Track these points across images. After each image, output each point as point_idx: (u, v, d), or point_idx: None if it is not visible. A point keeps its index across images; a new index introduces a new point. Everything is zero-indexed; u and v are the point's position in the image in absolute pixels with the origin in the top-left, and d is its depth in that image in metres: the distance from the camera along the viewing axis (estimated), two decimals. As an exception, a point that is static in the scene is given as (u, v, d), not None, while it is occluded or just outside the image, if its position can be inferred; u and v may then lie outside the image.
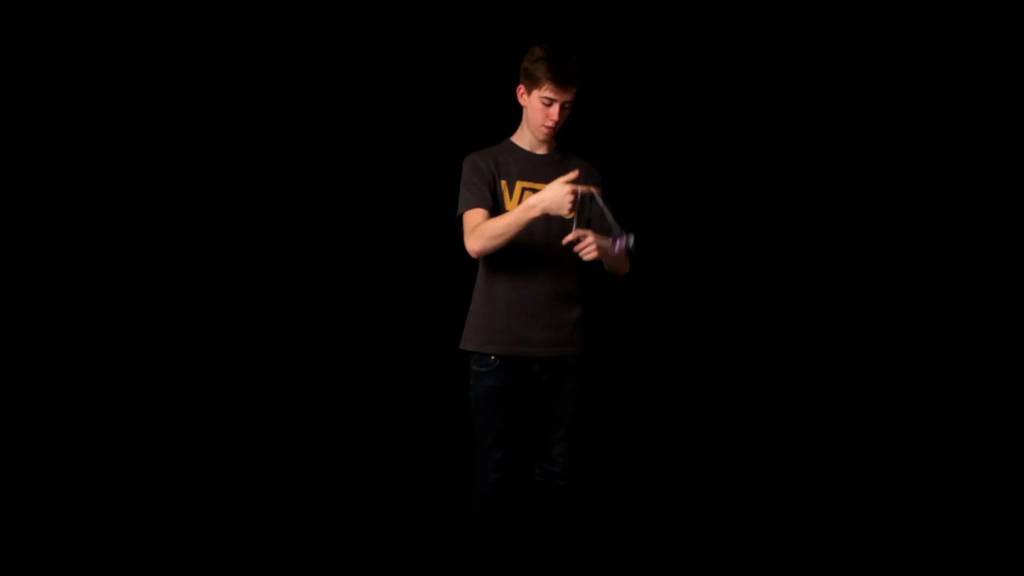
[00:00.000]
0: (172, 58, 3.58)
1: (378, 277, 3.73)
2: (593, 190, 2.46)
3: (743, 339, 3.81)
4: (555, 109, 2.51)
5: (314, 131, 3.70)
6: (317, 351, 3.73)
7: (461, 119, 3.55)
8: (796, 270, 3.77)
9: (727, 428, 3.81)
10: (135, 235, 3.60)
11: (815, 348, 3.77)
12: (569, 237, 2.43)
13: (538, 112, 2.54)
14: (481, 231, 2.49)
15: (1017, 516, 3.40)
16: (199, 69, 3.60)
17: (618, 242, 2.40)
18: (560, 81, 2.47)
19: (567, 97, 2.51)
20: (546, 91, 2.49)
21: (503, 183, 2.59)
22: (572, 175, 2.43)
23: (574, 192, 2.39)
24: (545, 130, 2.56)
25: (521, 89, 2.58)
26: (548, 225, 2.55)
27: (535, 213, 2.43)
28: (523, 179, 2.60)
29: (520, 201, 2.56)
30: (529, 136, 2.63)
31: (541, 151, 2.65)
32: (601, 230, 2.58)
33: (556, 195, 2.40)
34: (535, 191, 2.56)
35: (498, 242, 2.48)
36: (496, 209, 2.56)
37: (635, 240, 2.39)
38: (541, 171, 2.62)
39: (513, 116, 2.66)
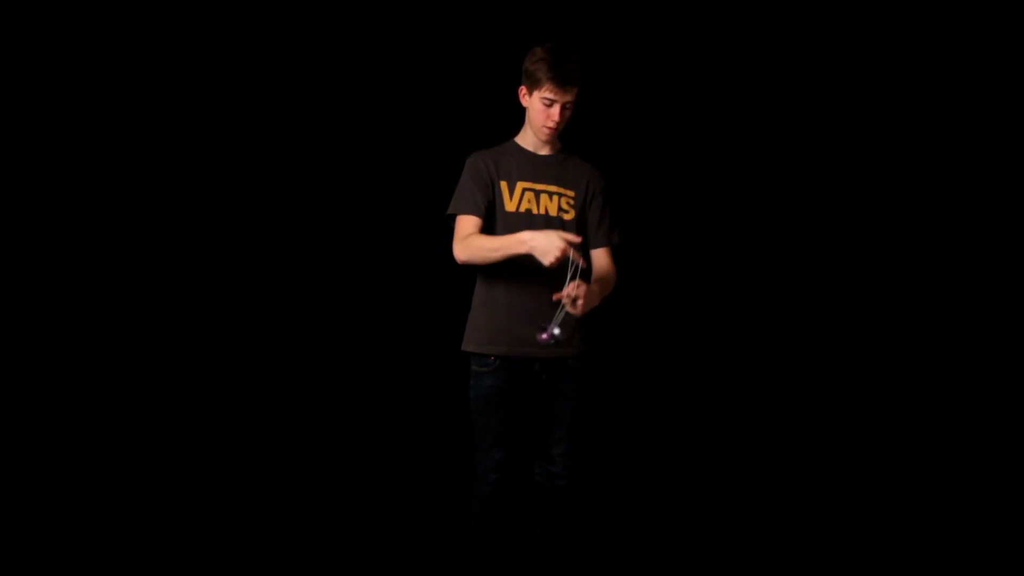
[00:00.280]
0: (172, 58, 3.58)
1: (379, 278, 3.73)
2: (580, 262, 2.42)
3: (743, 339, 3.81)
4: (556, 109, 2.51)
5: (316, 132, 3.71)
6: (318, 352, 3.73)
7: (462, 120, 3.56)
8: (796, 270, 3.78)
9: (727, 428, 3.81)
10: (136, 236, 3.60)
11: (815, 348, 3.77)
12: (567, 292, 2.39)
13: (539, 113, 2.54)
14: (469, 244, 2.52)
15: (1017, 516, 3.40)
16: (199, 69, 3.60)
17: (546, 331, 2.40)
18: (560, 81, 2.47)
19: (568, 97, 2.51)
20: (546, 91, 2.50)
21: (503, 183, 2.59)
22: (574, 238, 2.40)
23: (564, 251, 2.36)
24: (547, 131, 2.57)
25: (523, 90, 2.58)
26: (548, 225, 2.56)
27: (523, 249, 2.43)
28: (524, 179, 2.60)
29: (520, 201, 2.57)
30: (532, 137, 2.63)
31: (544, 152, 2.65)
32: (598, 232, 2.62)
33: (547, 243, 2.37)
34: (535, 191, 2.57)
35: (483, 260, 2.52)
36: (492, 213, 2.57)
37: (559, 329, 2.40)
38: (543, 172, 2.62)
39: (517, 117, 2.66)
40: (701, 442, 3.81)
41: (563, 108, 2.52)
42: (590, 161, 2.71)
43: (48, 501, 3.35)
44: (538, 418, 2.65)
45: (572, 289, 2.38)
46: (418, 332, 3.69)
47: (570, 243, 2.37)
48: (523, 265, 2.54)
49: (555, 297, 2.40)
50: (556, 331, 2.39)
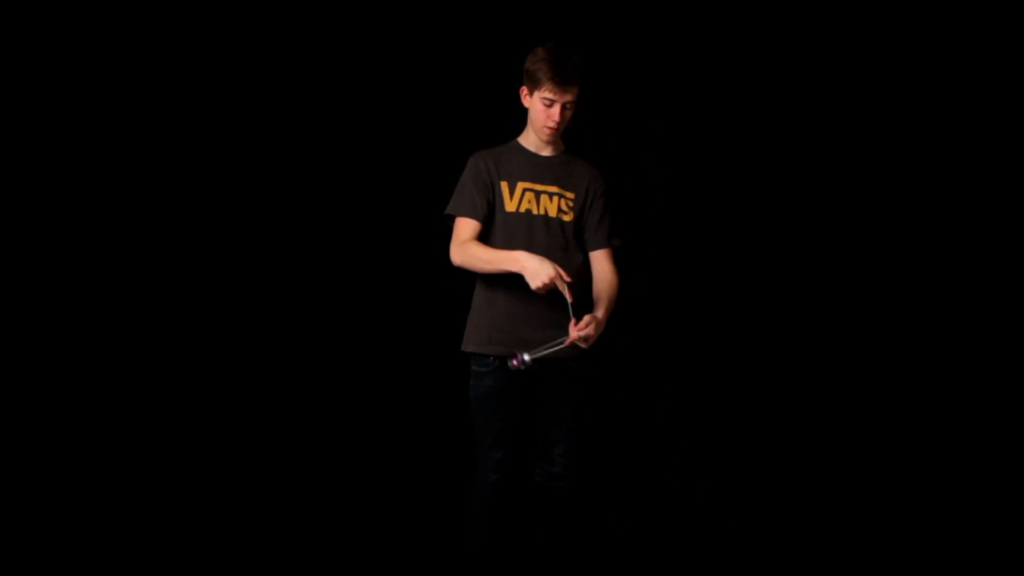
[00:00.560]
0: (172, 58, 3.58)
1: (379, 278, 3.73)
2: (569, 299, 2.44)
3: (743, 339, 3.81)
4: (556, 110, 2.52)
5: (318, 132, 3.71)
6: (318, 352, 3.73)
7: (464, 120, 3.56)
8: (796, 270, 3.78)
9: (727, 428, 3.81)
10: (135, 236, 3.60)
11: (815, 348, 3.77)
12: (580, 332, 2.43)
13: (540, 113, 2.54)
14: (464, 250, 2.54)
15: (1017, 516, 3.40)
16: (199, 69, 3.60)
17: (516, 358, 2.43)
18: (560, 81, 2.48)
19: (568, 97, 2.51)
20: (546, 92, 2.50)
21: (504, 183, 2.59)
22: (566, 276, 2.43)
23: (552, 279, 2.39)
24: (547, 131, 2.57)
25: (523, 90, 2.59)
26: (548, 226, 2.56)
27: (515, 268, 2.45)
28: (525, 180, 2.60)
29: (520, 201, 2.57)
30: (534, 138, 2.63)
31: (546, 153, 2.65)
32: (597, 233, 2.63)
33: (538, 268, 2.41)
34: (536, 192, 2.57)
35: (474, 269, 2.55)
36: (491, 214, 2.58)
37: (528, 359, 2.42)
38: (545, 173, 2.62)
39: (521, 118, 2.66)
40: (701, 442, 3.81)
41: (563, 108, 2.52)
42: (592, 162, 2.71)
43: (48, 501, 3.35)
44: (538, 418, 2.65)
45: (584, 328, 2.43)
46: (418, 332, 3.69)
47: (561, 278, 2.41)
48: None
49: (568, 342, 2.44)
50: (527, 359, 2.42)
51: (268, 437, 3.69)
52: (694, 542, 3.35)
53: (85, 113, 3.52)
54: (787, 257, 3.78)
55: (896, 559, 3.20)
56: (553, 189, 2.60)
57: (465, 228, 2.57)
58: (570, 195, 2.62)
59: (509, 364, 2.44)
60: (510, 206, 2.57)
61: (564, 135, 2.66)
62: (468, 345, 2.63)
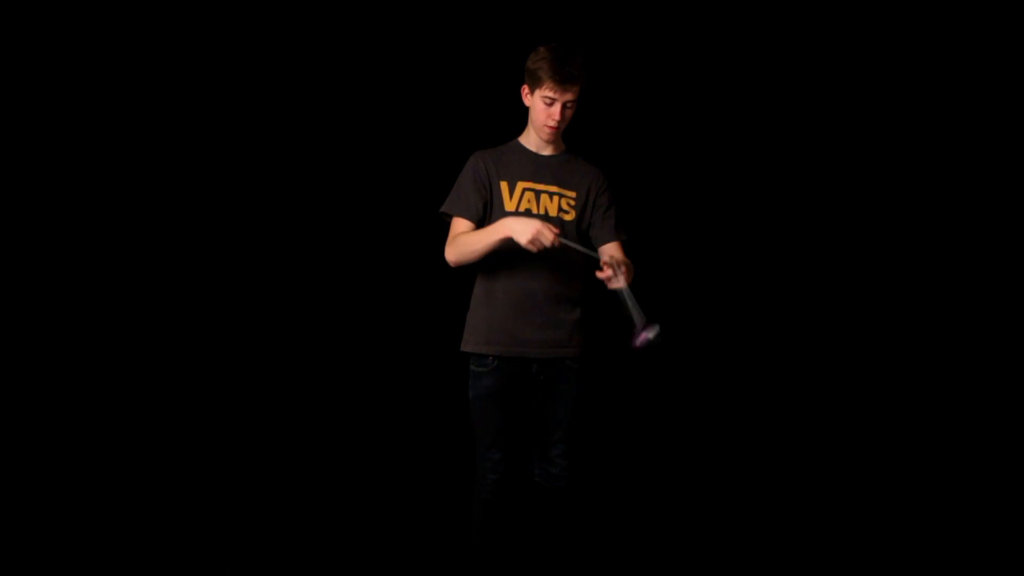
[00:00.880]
0: (172, 58, 3.58)
1: (379, 278, 3.73)
2: (557, 243, 2.42)
3: (743, 339, 3.80)
4: (556, 108, 2.51)
5: (318, 132, 3.71)
6: (318, 352, 3.73)
7: (465, 120, 3.55)
8: (797, 271, 3.77)
9: (727, 428, 3.80)
10: (135, 236, 3.60)
11: (815, 349, 3.77)
12: (605, 274, 2.38)
13: (540, 112, 2.54)
14: (456, 243, 2.55)
15: (1017, 516, 3.40)
16: (199, 69, 3.60)
17: (641, 335, 2.38)
18: (560, 80, 2.47)
19: (568, 96, 2.51)
20: (547, 90, 2.49)
21: (503, 183, 2.59)
22: (555, 231, 2.41)
23: (538, 231, 2.37)
24: (548, 130, 2.57)
25: (525, 89, 2.59)
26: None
27: (502, 234, 2.45)
28: (524, 179, 2.60)
29: (520, 201, 2.57)
30: (534, 137, 2.63)
31: (546, 152, 2.65)
32: (604, 228, 2.61)
33: (524, 225, 2.41)
34: (536, 192, 2.57)
35: (471, 257, 2.53)
36: (490, 213, 2.58)
37: (659, 332, 2.38)
38: (544, 172, 2.62)
39: (522, 117, 2.66)
40: (701, 442, 3.80)
41: (564, 107, 2.52)
42: (593, 162, 2.71)
43: (48, 501, 3.35)
44: (537, 419, 2.65)
45: (609, 271, 2.36)
46: (418, 332, 3.69)
47: (550, 230, 2.38)
48: (521, 263, 2.54)
49: (605, 277, 2.37)
50: (650, 334, 2.37)
51: (268, 437, 3.69)
52: (694, 542, 3.35)
53: (85, 113, 3.53)
54: (787, 257, 3.78)
55: (896, 559, 3.19)
56: (553, 188, 2.60)
57: (459, 227, 2.58)
58: (571, 194, 2.62)
59: (638, 341, 2.37)
60: (510, 206, 2.57)
61: (565, 134, 2.65)
62: (467, 345, 2.62)
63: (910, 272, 3.73)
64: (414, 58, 3.69)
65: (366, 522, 3.41)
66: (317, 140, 3.71)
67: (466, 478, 2.73)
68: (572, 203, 2.62)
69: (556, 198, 2.60)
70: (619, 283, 2.38)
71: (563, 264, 2.57)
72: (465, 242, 2.53)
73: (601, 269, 2.39)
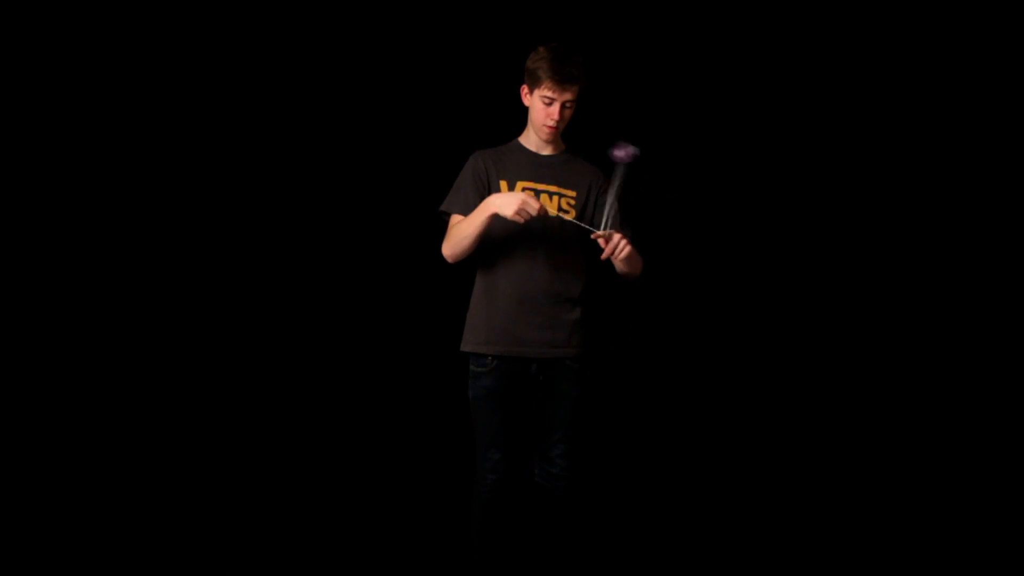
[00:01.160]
0: (172, 58, 3.58)
1: (379, 278, 3.73)
2: (560, 216, 2.48)
3: (743, 340, 3.80)
4: (555, 108, 2.51)
5: (317, 132, 3.71)
6: (318, 352, 3.73)
7: (465, 119, 3.55)
8: (797, 271, 3.77)
9: (727, 428, 3.80)
10: (134, 236, 3.61)
11: (815, 349, 3.77)
12: (598, 234, 2.41)
13: (539, 111, 2.55)
14: (448, 236, 2.56)
15: (1017, 516, 3.40)
16: (199, 69, 3.60)
17: (624, 149, 2.43)
18: (559, 80, 2.48)
19: (567, 96, 2.51)
20: (545, 90, 2.50)
21: (503, 183, 2.59)
22: (538, 203, 2.43)
23: (523, 201, 2.39)
24: (547, 130, 2.57)
25: (524, 89, 2.59)
26: (545, 224, 2.56)
27: (486, 214, 2.46)
28: (524, 179, 2.60)
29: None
30: (534, 137, 2.63)
31: (546, 152, 2.65)
32: (609, 225, 2.59)
33: (508, 199, 2.42)
34: (536, 191, 2.57)
35: (464, 245, 2.53)
36: None
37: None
38: (545, 172, 2.62)
39: (523, 117, 2.66)
40: (701, 442, 3.80)
41: (563, 107, 2.52)
42: (593, 161, 2.71)
43: (48, 501, 3.35)
44: (536, 419, 2.65)
45: (612, 233, 2.41)
46: (418, 332, 3.69)
47: (533, 202, 2.40)
48: (521, 263, 2.55)
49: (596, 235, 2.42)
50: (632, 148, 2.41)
51: (268, 437, 3.69)
52: (694, 542, 3.35)
53: (85, 113, 3.53)
54: (787, 257, 3.78)
55: (896, 559, 3.19)
56: (553, 188, 2.60)
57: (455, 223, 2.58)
58: (570, 194, 2.62)
59: (619, 156, 2.42)
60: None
61: (565, 134, 2.65)
62: (467, 345, 2.63)
63: (910, 272, 3.73)
64: (414, 58, 3.69)
65: (366, 522, 3.41)
66: (318, 140, 3.71)
67: (466, 478, 2.73)
68: (572, 202, 2.62)
69: (556, 197, 2.60)
70: (624, 251, 2.41)
71: (563, 264, 2.57)
72: (455, 232, 2.54)
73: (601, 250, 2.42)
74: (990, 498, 3.52)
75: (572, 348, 2.61)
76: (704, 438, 3.81)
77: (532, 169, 2.62)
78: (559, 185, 2.62)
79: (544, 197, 2.58)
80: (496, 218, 2.47)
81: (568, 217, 2.58)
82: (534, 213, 2.40)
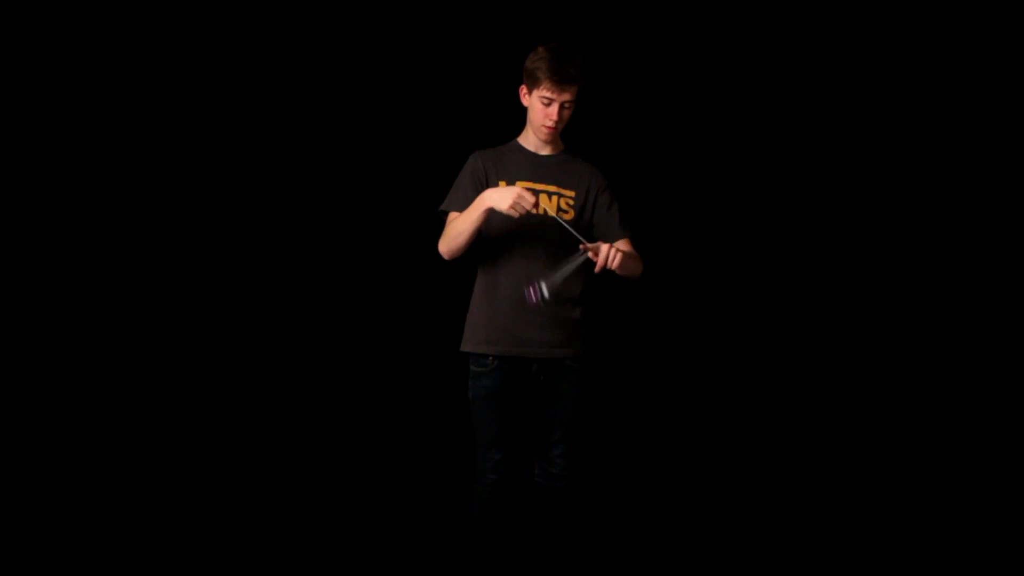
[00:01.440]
0: (172, 58, 3.58)
1: (379, 277, 3.73)
2: (558, 218, 2.48)
3: (743, 339, 3.80)
4: (554, 109, 2.51)
5: (317, 132, 3.71)
6: (318, 351, 3.73)
7: (462, 120, 3.56)
8: (797, 271, 3.77)
9: (727, 428, 3.80)
10: (134, 236, 3.61)
11: (815, 350, 3.77)
12: (586, 246, 2.41)
13: (538, 112, 2.55)
14: (445, 234, 2.57)
15: (1017, 516, 3.40)
16: (199, 69, 3.60)
17: (531, 290, 2.42)
18: (558, 81, 2.47)
19: (566, 97, 2.51)
20: (544, 90, 2.50)
21: (502, 183, 2.59)
22: (533, 197, 2.42)
23: (519, 195, 2.39)
24: (546, 130, 2.57)
25: (523, 89, 2.59)
26: (544, 224, 2.56)
27: (481, 208, 2.46)
28: (523, 179, 2.60)
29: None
30: (533, 137, 2.63)
31: (545, 152, 2.65)
32: (608, 226, 2.61)
33: (503, 193, 2.43)
34: (534, 192, 2.57)
35: (460, 240, 2.53)
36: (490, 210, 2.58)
37: (547, 289, 2.39)
38: (544, 172, 2.62)
39: (521, 118, 2.66)
40: (701, 442, 3.80)
41: (561, 107, 2.52)
42: (593, 162, 2.71)
43: (48, 501, 3.35)
44: (537, 419, 2.65)
45: (595, 247, 2.39)
46: (418, 332, 3.69)
47: (528, 196, 2.40)
48: (521, 264, 2.55)
49: (584, 247, 2.41)
50: (545, 291, 2.38)
51: (268, 437, 3.69)
52: (694, 542, 3.35)
53: (85, 113, 3.53)
54: (787, 257, 3.78)
55: (896, 559, 3.19)
56: (552, 188, 2.60)
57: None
58: (569, 194, 2.62)
59: (527, 298, 2.41)
60: (508, 205, 2.58)
61: (565, 134, 2.66)
62: (467, 345, 2.63)
63: (909, 272, 3.73)
64: (414, 58, 3.69)
65: (366, 522, 3.41)
66: (318, 141, 3.71)
67: (466, 478, 2.73)
68: (571, 203, 2.62)
69: (555, 198, 2.60)
70: (615, 261, 2.40)
71: (565, 265, 2.57)
72: (451, 227, 2.55)
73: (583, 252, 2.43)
74: (990, 498, 3.52)
75: (572, 348, 2.61)
76: (704, 438, 3.81)
77: (531, 169, 2.62)
78: (558, 185, 2.62)
79: (543, 197, 2.58)
80: (493, 213, 2.47)
81: (566, 218, 2.58)
82: (529, 208, 2.40)
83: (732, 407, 3.81)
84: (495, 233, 2.56)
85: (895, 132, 3.72)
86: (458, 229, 2.52)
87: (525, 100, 2.59)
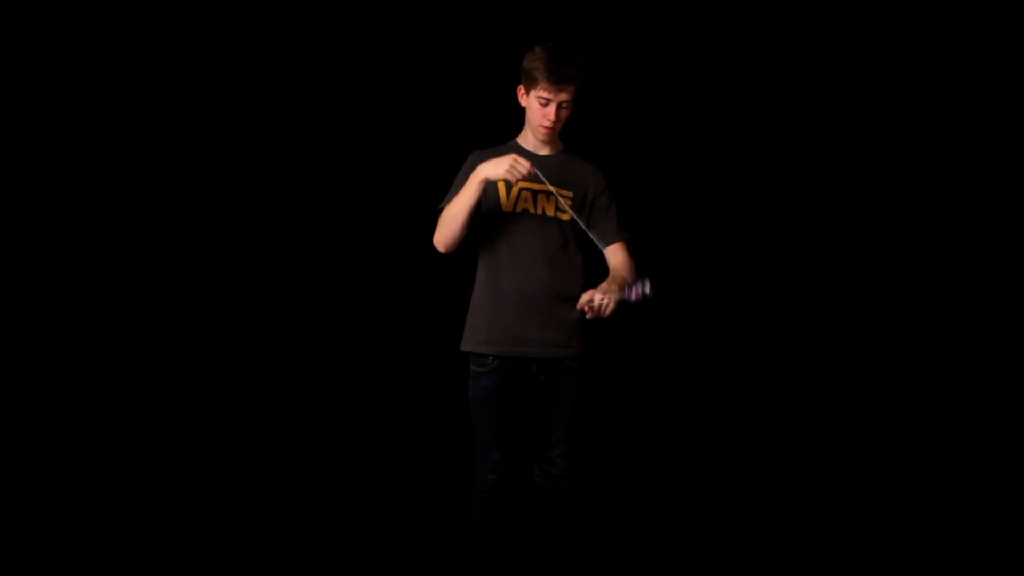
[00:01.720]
0: (172, 58, 3.58)
1: (379, 277, 3.73)
2: (530, 170, 2.45)
3: (743, 339, 3.80)
4: (551, 109, 2.51)
5: (316, 131, 3.71)
6: (318, 351, 3.73)
7: (462, 120, 3.55)
8: (797, 271, 3.77)
9: (727, 428, 3.80)
10: (134, 235, 3.61)
11: (815, 349, 3.77)
12: (581, 302, 2.40)
13: (536, 112, 2.54)
14: (439, 224, 2.56)
15: (1017, 516, 3.40)
16: (199, 69, 3.60)
17: (634, 289, 2.40)
18: (555, 81, 2.47)
19: (563, 97, 2.50)
20: (541, 91, 2.49)
21: (501, 183, 2.59)
22: (528, 162, 2.44)
23: (513, 163, 2.40)
24: (544, 130, 2.56)
25: (521, 89, 2.59)
26: (545, 225, 2.55)
27: (474, 183, 2.47)
28: (522, 180, 2.59)
29: (517, 201, 2.57)
30: (532, 137, 2.63)
31: (544, 152, 2.65)
32: (602, 235, 2.60)
33: (496, 163, 2.44)
34: (533, 191, 2.58)
35: (454, 225, 2.52)
36: (487, 212, 2.58)
37: (651, 285, 2.39)
38: (543, 172, 2.61)
39: (521, 117, 2.65)
40: (701, 442, 3.80)
41: (559, 107, 2.51)
42: (593, 161, 2.70)
43: (48, 501, 3.35)
44: (537, 419, 2.65)
45: (592, 296, 2.38)
46: (418, 332, 3.69)
47: (521, 161, 2.41)
48: (521, 263, 2.55)
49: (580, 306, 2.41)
50: (647, 289, 2.38)
51: (268, 437, 3.69)
52: (694, 542, 3.35)
53: (85, 113, 3.53)
54: (787, 257, 3.78)
55: (896, 559, 3.19)
56: (550, 188, 2.60)
57: None
58: (568, 194, 2.61)
59: (632, 296, 2.39)
60: (507, 205, 2.57)
61: (564, 134, 2.65)
62: (467, 344, 2.62)
63: (909, 272, 3.73)
64: (414, 58, 3.69)
65: (366, 522, 3.41)
66: (317, 141, 3.71)
67: (466, 478, 2.73)
68: (569, 203, 2.62)
69: (553, 197, 2.60)
70: (610, 308, 2.40)
71: (563, 264, 2.57)
72: (445, 215, 2.55)
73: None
74: (990, 498, 3.52)
75: (572, 348, 2.60)
76: (704, 438, 3.81)
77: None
78: (557, 185, 2.61)
79: (541, 197, 2.58)
80: (488, 204, 2.49)
81: (565, 217, 2.58)
82: (525, 172, 2.41)
83: (732, 407, 3.81)
84: (494, 234, 2.57)
85: (895, 132, 3.72)
86: (453, 211, 2.52)
87: (523, 100, 2.59)
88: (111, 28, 3.52)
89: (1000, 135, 3.64)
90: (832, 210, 3.76)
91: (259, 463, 3.65)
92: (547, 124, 2.54)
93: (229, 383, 3.67)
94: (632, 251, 2.66)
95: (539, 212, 2.58)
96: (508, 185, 2.58)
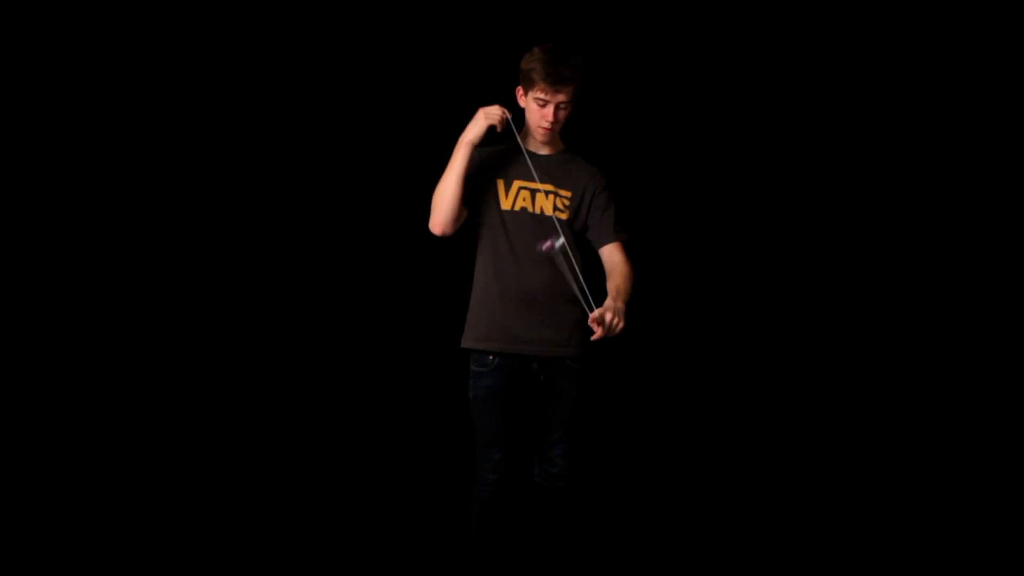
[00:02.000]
0: (172, 58, 3.58)
1: (378, 276, 3.73)
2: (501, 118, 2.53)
3: (743, 339, 3.80)
4: (549, 110, 2.52)
5: (316, 131, 3.71)
6: (317, 350, 3.73)
7: (462, 120, 3.54)
8: (796, 271, 3.77)
9: (727, 428, 3.80)
10: (133, 235, 3.61)
11: (814, 349, 3.76)
12: (595, 330, 2.38)
13: (534, 113, 2.55)
14: (432, 204, 2.58)
15: (1017, 516, 3.40)
16: (199, 69, 3.60)
17: (547, 243, 2.44)
18: (552, 82, 2.47)
19: (561, 98, 2.51)
20: (539, 92, 2.50)
21: (500, 181, 2.59)
22: (500, 108, 2.52)
23: (485, 112, 2.51)
24: (542, 131, 2.57)
25: (519, 90, 2.59)
26: (543, 225, 2.56)
27: (460, 146, 2.54)
28: (521, 179, 2.60)
29: (516, 199, 2.58)
30: (531, 137, 2.63)
31: (543, 152, 2.65)
32: (602, 229, 2.59)
33: (475, 122, 2.54)
34: (531, 191, 2.58)
35: (446, 197, 2.55)
36: (486, 211, 2.59)
37: (561, 243, 2.43)
38: (542, 172, 2.62)
39: (521, 117, 2.66)
40: (701, 442, 3.80)
41: (557, 108, 2.52)
42: (592, 161, 2.71)
43: (48, 501, 3.36)
44: (537, 418, 2.65)
45: (595, 319, 2.36)
46: (418, 331, 3.69)
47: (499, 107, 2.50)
48: (521, 262, 2.55)
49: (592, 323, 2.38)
50: (557, 245, 2.41)
51: (268, 436, 3.69)
52: (694, 542, 3.35)
53: (85, 113, 3.53)
54: (786, 257, 3.78)
55: (896, 559, 3.19)
56: (549, 187, 2.60)
57: None
58: (566, 194, 2.62)
59: (539, 244, 2.44)
60: (506, 204, 2.58)
61: (565, 134, 2.66)
62: (467, 341, 2.62)
63: (909, 273, 3.73)
64: (413, 58, 3.70)
65: (366, 522, 3.42)
66: (317, 140, 3.71)
67: (466, 478, 2.74)
68: (567, 202, 2.62)
69: (552, 197, 2.61)
70: (618, 329, 2.40)
71: (563, 263, 2.57)
72: (435, 192, 2.57)
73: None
74: (990, 498, 3.52)
75: (572, 348, 2.60)
76: (704, 438, 3.81)
77: (528, 168, 2.61)
78: (555, 185, 2.62)
79: (540, 195, 2.59)
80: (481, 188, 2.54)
81: (563, 217, 2.59)
82: (500, 113, 2.50)
83: (731, 407, 3.80)
84: (492, 232, 2.58)
85: (895, 132, 3.72)
86: (442, 189, 2.55)
87: (522, 101, 2.60)
88: (111, 28, 3.52)
89: (1000, 135, 3.63)
90: (831, 210, 3.76)
91: (259, 462, 3.65)
92: (545, 125, 2.54)
93: (229, 382, 3.67)
94: (631, 252, 2.66)
95: (537, 211, 2.58)
96: (507, 184, 2.58)
